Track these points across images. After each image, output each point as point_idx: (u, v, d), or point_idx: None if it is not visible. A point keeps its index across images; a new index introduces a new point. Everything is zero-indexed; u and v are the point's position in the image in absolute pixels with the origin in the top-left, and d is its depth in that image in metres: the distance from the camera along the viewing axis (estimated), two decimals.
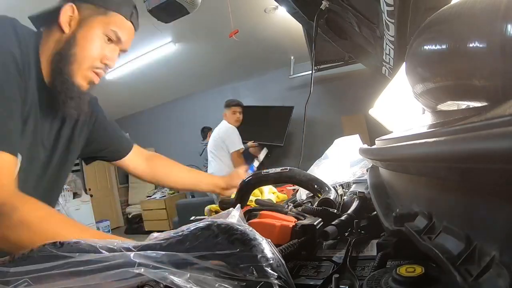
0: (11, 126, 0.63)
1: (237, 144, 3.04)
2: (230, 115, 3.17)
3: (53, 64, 0.73)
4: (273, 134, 4.20)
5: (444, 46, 0.33)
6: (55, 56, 0.73)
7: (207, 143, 3.36)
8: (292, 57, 4.40)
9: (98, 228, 4.92)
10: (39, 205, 0.59)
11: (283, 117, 4.31)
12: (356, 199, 0.67)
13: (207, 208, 1.15)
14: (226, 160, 3.03)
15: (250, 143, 3.76)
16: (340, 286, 0.35)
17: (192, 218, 0.92)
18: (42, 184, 0.79)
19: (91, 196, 5.53)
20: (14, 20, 0.68)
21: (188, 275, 0.31)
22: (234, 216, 0.43)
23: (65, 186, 3.92)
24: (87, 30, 0.73)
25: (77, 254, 0.37)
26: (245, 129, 3.36)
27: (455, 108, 0.40)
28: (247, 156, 3.30)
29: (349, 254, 0.44)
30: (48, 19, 0.75)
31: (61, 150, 0.83)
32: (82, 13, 0.74)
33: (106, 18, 0.75)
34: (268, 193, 1.20)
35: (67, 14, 0.72)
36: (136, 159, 1.06)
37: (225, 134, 3.06)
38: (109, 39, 0.76)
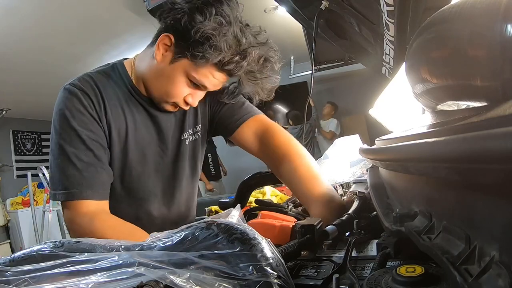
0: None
1: None
2: None
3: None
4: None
5: (444, 46, 0.33)
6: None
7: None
8: (292, 57, 4.40)
9: None
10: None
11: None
12: (356, 199, 0.67)
13: (207, 208, 1.15)
14: None
15: None
16: (340, 286, 0.35)
17: None
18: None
19: None
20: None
21: (188, 275, 0.31)
22: (234, 216, 0.43)
23: None
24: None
25: (77, 253, 0.37)
26: None
27: (455, 108, 0.40)
28: None
29: (349, 254, 0.44)
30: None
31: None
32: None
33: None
34: (271, 195, 1.20)
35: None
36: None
37: None
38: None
